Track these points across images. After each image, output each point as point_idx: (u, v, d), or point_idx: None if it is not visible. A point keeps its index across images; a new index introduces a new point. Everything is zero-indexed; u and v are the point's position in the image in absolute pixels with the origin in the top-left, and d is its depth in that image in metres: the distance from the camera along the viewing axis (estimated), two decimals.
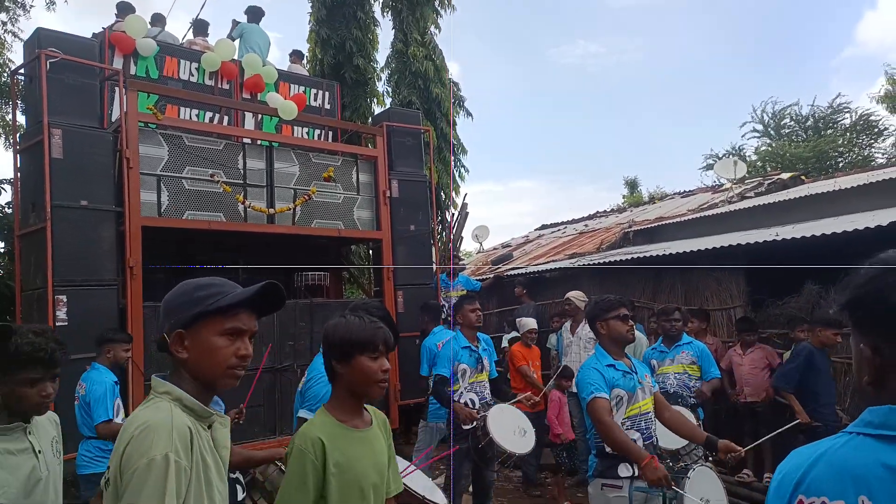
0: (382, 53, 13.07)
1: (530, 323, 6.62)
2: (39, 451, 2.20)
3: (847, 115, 21.84)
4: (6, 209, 7.73)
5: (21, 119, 6.36)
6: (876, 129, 21.31)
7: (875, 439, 0.96)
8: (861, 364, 1.02)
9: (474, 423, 4.58)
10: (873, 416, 0.98)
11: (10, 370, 2.10)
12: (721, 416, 6.19)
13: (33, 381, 2.14)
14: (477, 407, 4.75)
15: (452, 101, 12.71)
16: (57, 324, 5.19)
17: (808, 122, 22.33)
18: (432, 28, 12.84)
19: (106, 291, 5.55)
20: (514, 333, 8.09)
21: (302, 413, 2.61)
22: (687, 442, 4.15)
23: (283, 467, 3.28)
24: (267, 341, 6.54)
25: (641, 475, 2.98)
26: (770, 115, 23.44)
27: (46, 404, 2.23)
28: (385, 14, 12.82)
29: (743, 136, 24.11)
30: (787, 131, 23.01)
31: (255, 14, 8.35)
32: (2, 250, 7.77)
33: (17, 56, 11.62)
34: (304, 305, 6.82)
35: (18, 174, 6.02)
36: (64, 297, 5.28)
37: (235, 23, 8.30)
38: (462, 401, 4.72)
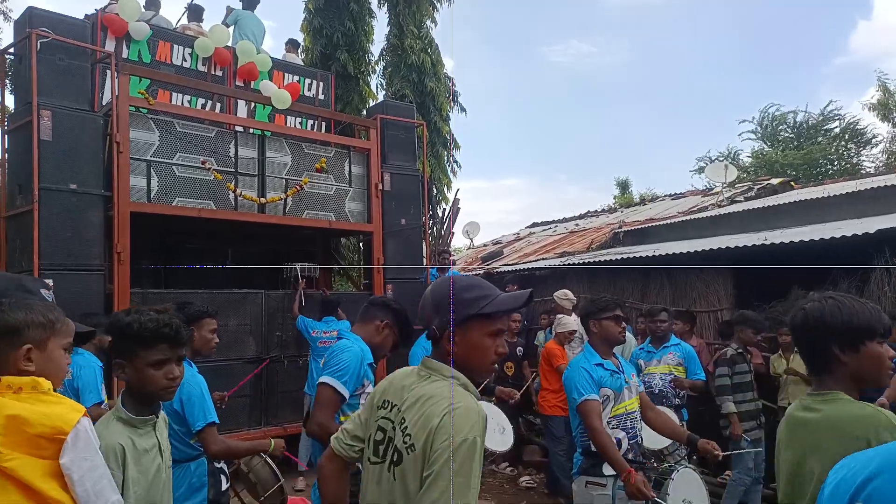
0: (378, 46, 13.02)
1: (571, 323, 6.17)
2: (163, 450, 2.04)
3: (837, 122, 22.01)
4: None
5: (10, 100, 6.28)
6: (864, 137, 21.51)
7: None
8: None
9: None
10: None
11: (135, 351, 1.95)
12: (706, 417, 6.23)
13: (160, 362, 1.97)
14: None
15: (450, 95, 12.69)
16: None
17: (802, 128, 22.46)
18: (428, 22, 12.80)
19: (93, 276, 5.50)
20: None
21: (326, 379, 2.63)
22: (671, 442, 4.19)
23: (267, 459, 3.27)
24: (254, 332, 6.53)
25: (624, 486, 3.01)
26: (770, 119, 23.54)
27: (173, 389, 2.03)
28: (381, 6, 12.76)
29: (740, 136, 24.17)
30: (782, 137, 23.13)
31: (250, 1, 8.28)
32: None
33: (6, 36, 11.46)
34: (292, 296, 6.79)
35: (6, 155, 5.94)
36: (50, 281, 5.19)
37: (230, 9, 8.22)
38: None
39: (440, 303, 1.74)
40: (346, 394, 2.65)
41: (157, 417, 2.04)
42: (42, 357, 1.55)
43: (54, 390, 1.55)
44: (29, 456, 1.38)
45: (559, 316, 6.44)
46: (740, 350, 5.17)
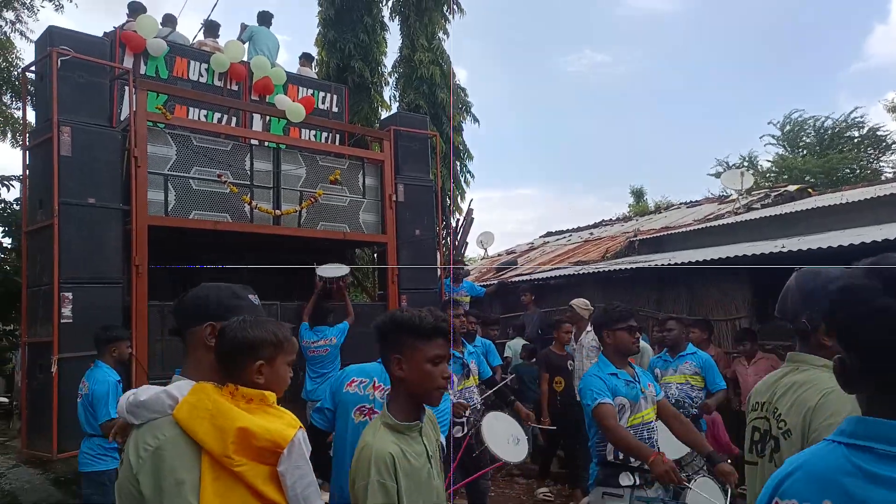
0: (391, 58, 13.12)
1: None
2: (431, 456, 1.99)
3: (859, 129, 21.75)
4: (14, 206, 7.77)
5: (31, 116, 6.40)
6: (884, 143, 21.26)
7: (846, 447, 1.01)
8: (835, 371, 1.08)
9: (469, 431, 4.58)
10: (845, 426, 1.04)
11: (414, 346, 1.93)
12: (725, 426, 6.16)
13: (438, 357, 1.94)
14: (466, 414, 4.74)
15: (453, 101, 12.73)
16: (62, 321, 5.21)
17: (825, 134, 22.23)
18: (440, 33, 12.88)
19: (111, 289, 5.57)
20: (518, 339, 8.09)
21: None
22: (688, 452, 4.14)
23: None
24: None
25: (650, 470, 2.96)
26: (792, 124, 23.33)
27: (445, 388, 1.99)
28: (393, 18, 12.87)
29: (761, 138, 23.98)
30: (803, 143, 22.90)
31: (264, 18, 8.40)
32: (9, 247, 7.81)
33: (25, 56, 11.72)
34: (295, 308, 6.74)
35: (27, 171, 6.06)
36: (70, 295, 5.30)
37: (244, 26, 8.35)
38: None
39: (811, 295, 1.71)
40: None
41: (423, 422, 2.01)
42: (271, 372, 1.67)
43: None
44: (254, 462, 1.55)
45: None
46: None
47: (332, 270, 6.57)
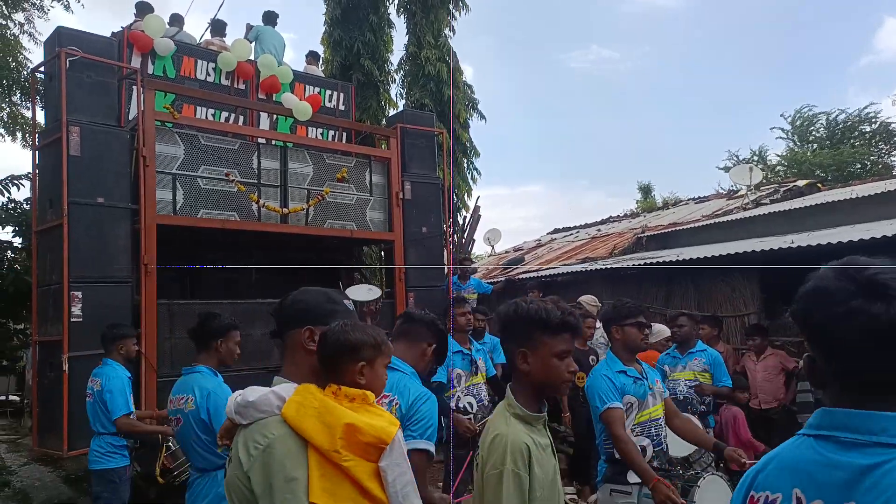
0: (397, 56, 13.12)
1: (664, 331, 5.74)
2: (554, 449, 1.99)
3: (871, 124, 21.55)
4: (24, 205, 7.83)
5: (40, 116, 6.44)
6: (894, 138, 21.06)
7: (814, 439, 1.06)
8: (805, 370, 1.12)
9: (474, 412, 4.60)
10: (813, 419, 1.08)
11: (541, 340, 1.92)
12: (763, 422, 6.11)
13: (564, 352, 1.93)
14: (474, 410, 4.74)
15: (469, 103, 12.71)
16: (72, 320, 5.25)
17: (836, 129, 22.05)
18: (446, 31, 12.86)
19: (120, 288, 5.60)
20: None
21: (421, 444, 2.27)
22: (696, 449, 4.12)
23: None
24: (278, 341, 6.58)
25: (652, 494, 2.96)
26: (802, 119, 23.16)
27: (570, 383, 1.99)
28: (400, 16, 12.86)
29: (771, 130, 23.83)
30: (814, 137, 22.73)
31: (269, 17, 8.42)
32: (19, 246, 7.87)
33: (34, 57, 11.80)
34: None
35: (37, 171, 6.10)
36: (79, 293, 5.33)
37: (249, 27, 8.36)
38: (460, 405, 4.72)
39: None
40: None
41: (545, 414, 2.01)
42: (371, 373, 1.73)
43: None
44: (360, 459, 1.59)
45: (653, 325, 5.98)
46: None
47: (362, 293, 6.11)
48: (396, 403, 2.31)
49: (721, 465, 3.66)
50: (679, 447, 3.81)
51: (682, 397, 5.03)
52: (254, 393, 1.66)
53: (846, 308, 1.02)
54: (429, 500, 2.12)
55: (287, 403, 1.61)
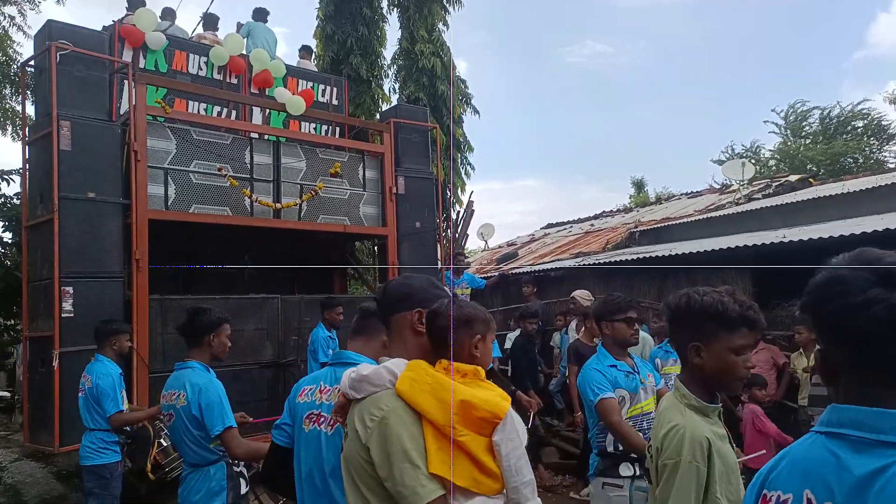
0: (391, 51, 13.07)
1: None
2: (730, 439, 1.94)
3: (864, 119, 21.64)
4: (15, 200, 7.77)
5: (30, 110, 6.39)
6: (886, 133, 21.17)
7: (826, 437, 1.03)
8: (816, 364, 1.09)
9: None
10: (824, 415, 1.06)
11: (716, 334, 1.85)
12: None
13: (742, 347, 1.84)
14: None
15: (462, 98, 12.68)
16: (63, 315, 5.22)
17: (829, 124, 22.13)
18: (440, 25, 12.82)
19: (112, 283, 5.57)
20: (518, 331, 8.08)
21: None
22: None
23: None
24: (271, 336, 6.58)
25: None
26: (795, 114, 23.23)
27: (745, 380, 1.94)
28: (392, 11, 12.81)
29: (765, 123, 23.86)
30: (806, 132, 22.80)
31: (260, 14, 8.39)
32: (10, 241, 7.81)
33: (25, 51, 11.71)
34: (308, 301, 6.83)
35: (27, 166, 6.05)
36: (70, 289, 5.30)
37: (240, 25, 8.32)
38: None
39: None
40: None
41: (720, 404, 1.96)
42: (483, 347, 1.76)
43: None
44: (474, 433, 1.62)
45: None
46: None
47: None
48: (330, 391, 2.28)
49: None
50: None
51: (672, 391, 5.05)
52: (367, 368, 1.72)
53: (864, 297, 0.99)
54: None
55: (400, 379, 1.65)
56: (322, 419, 2.30)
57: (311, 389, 2.39)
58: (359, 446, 1.62)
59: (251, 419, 3.76)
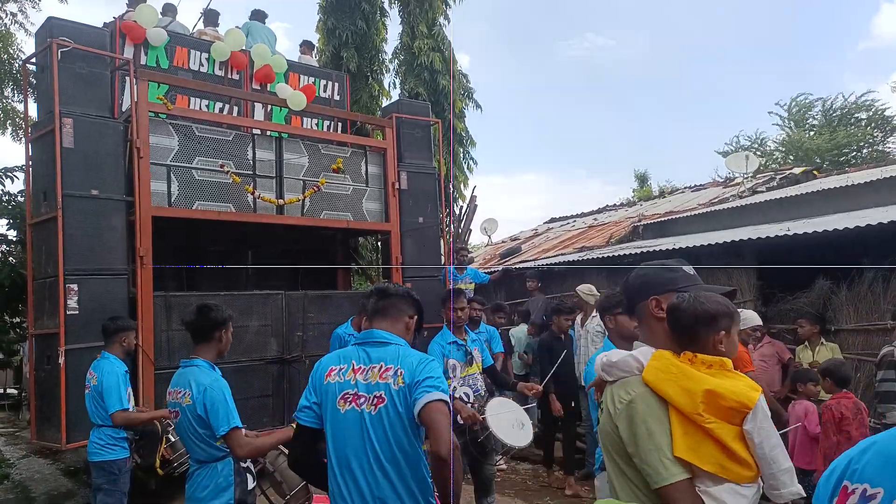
0: (392, 45, 13.03)
1: (753, 318, 5.36)
2: None
3: (867, 111, 21.56)
4: (19, 197, 7.78)
5: (33, 108, 6.39)
6: (890, 125, 21.09)
7: None
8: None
9: (471, 402, 4.60)
10: None
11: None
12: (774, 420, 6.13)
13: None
14: (471, 400, 4.75)
15: (464, 92, 12.64)
16: (68, 312, 5.23)
17: (835, 115, 22.05)
18: (441, 19, 12.78)
19: (116, 281, 5.58)
20: (522, 326, 8.10)
21: (443, 395, 2.23)
22: None
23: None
24: (275, 332, 6.59)
25: None
26: (798, 106, 23.16)
27: None
28: (392, 6, 12.77)
29: (770, 113, 23.79)
30: (809, 124, 22.73)
31: (258, 15, 8.39)
32: (14, 239, 7.82)
33: (28, 49, 11.70)
34: (312, 297, 6.84)
35: (30, 163, 6.05)
36: (75, 286, 5.31)
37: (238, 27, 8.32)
38: (455, 396, 4.71)
39: None
40: None
41: None
42: (728, 341, 1.80)
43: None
44: (722, 422, 1.66)
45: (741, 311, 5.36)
46: None
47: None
48: (401, 372, 2.23)
49: None
50: None
51: None
52: (616, 355, 1.83)
53: None
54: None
55: (646, 369, 1.74)
56: (362, 399, 2.24)
57: (341, 369, 2.33)
58: (610, 422, 1.76)
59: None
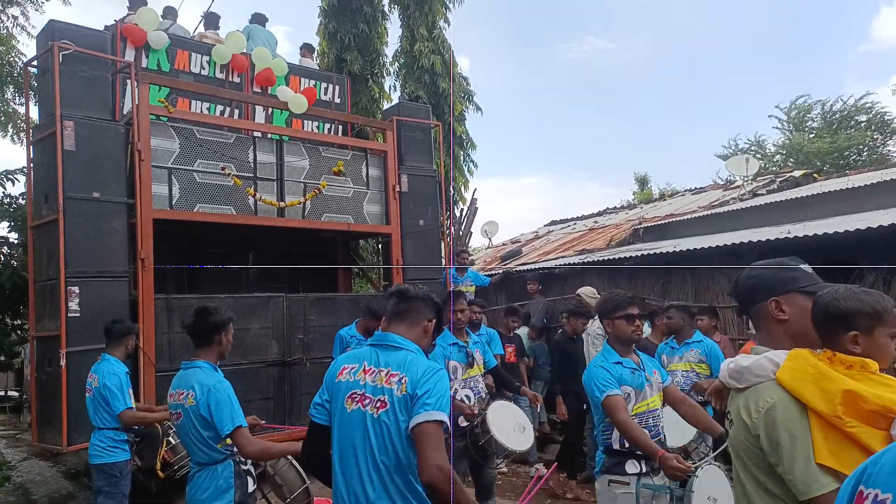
0: (392, 48, 13.05)
1: None
2: None
3: (867, 113, 21.58)
4: (20, 200, 7.79)
5: (34, 111, 6.40)
6: (890, 128, 21.11)
7: None
8: None
9: (474, 421, 4.59)
10: None
11: None
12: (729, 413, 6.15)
13: None
14: (472, 402, 4.74)
15: (464, 95, 12.65)
16: (69, 315, 5.24)
17: (835, 118, 22.07)
18: (441, 22, 12.80)
19: (117, 283, 5.58)
20: (523, 328, 8.09)
21: (440, 415, 2.16)
22: (693, 439, 4.15)
23: (293, 461, 3.30)
24: (276, 334, 6.59)
25: (661, 469, 2.98)
26: (798, 109, 23.17)
27: None
28: (392, 10, 12.79)
29: (770, 117, 23.85)
30: (809, 127, 22.75)
31: (258, 18, 8.41)
32: (16, 241, 7.83)
33: (30, 51, 11.73)
34: (313, 299, 6.84)
35: (32, 166, 6.06)
36: (76, 289, 5.32)
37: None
38: (457, 398, 4.71)
39: None
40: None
41: None
42: (868, 342, 1.67)
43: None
44: (866, 426, 1.55)
45: None
46: None
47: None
48: (405, 380, 2.22)
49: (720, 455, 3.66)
50: (676, 437, 3.83)
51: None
52: (747, 359, 1.75)
53: None
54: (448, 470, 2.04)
55: (781, 369, 1.66)
56: (367, 400, 2.24)
57: (352, 368, 2.34)
58: (747, 434, 1.68)
59: (263, 422, 3.77)
